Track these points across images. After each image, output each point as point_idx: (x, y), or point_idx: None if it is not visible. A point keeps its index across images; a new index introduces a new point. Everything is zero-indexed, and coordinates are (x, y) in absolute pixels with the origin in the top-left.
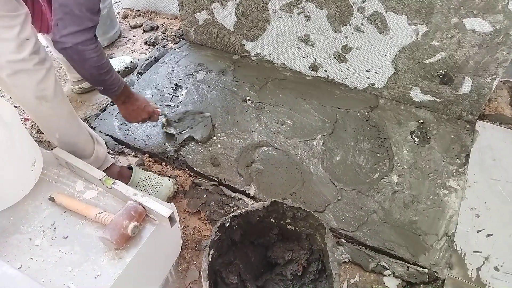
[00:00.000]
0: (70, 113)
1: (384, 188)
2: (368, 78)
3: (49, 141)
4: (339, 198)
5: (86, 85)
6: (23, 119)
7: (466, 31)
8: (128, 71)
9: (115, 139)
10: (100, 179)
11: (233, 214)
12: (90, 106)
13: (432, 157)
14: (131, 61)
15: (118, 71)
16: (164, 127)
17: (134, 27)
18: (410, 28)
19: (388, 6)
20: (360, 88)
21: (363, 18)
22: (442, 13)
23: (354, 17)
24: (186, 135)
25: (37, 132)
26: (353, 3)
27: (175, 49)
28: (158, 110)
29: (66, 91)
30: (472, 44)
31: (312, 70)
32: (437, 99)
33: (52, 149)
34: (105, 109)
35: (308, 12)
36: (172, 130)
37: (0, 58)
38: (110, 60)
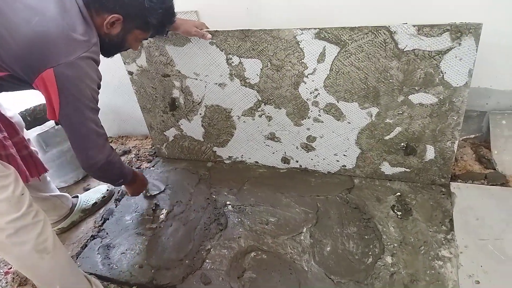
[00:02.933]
0: (69, 260)
1: (381, 272)
2: (338, 161)
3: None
4: None
5: (65, 224)
6: (3, 273)
7: (414, 105)
8: (105, 200)
9: (99, 277)
10: None
11: None
12: (70, 245)
13: (419, 229)
14: (107, 189)
15: (95, 202)
16: (146, 192)
17: None
18: (363, 112)
19: (338, 97)
20: (333, 172)
21: (319, 110)
22: (388, 94)
23: (311, 111)
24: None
25: (19, 285)
26: (307, 99)
27: (149, 167)
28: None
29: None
30: (423, 115)
31: (284, 163)
32: (407, 169)
33: None
34: (86, 245)
35: (269, 113)
36: (154, 191)
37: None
38: (86, 192)
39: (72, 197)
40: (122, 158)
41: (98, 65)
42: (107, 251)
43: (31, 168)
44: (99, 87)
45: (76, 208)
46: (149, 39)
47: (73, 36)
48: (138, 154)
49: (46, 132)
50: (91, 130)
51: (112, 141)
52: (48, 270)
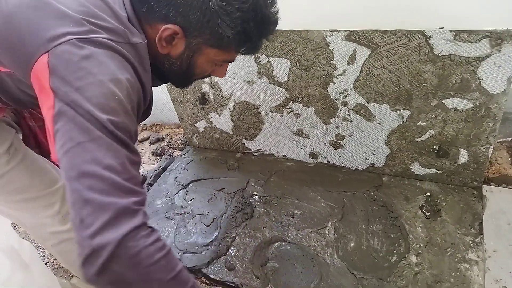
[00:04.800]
0: None
1: (405, 271)
2: (366, 159)
3: (67, 268)
4: None
5: None
6: (42, 248)
7: (448, 110)
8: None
9: None
10: None
11: None
12: None
13: (447, 230)
14: (141, 175)
15: None
16: None
17: (141, 141)
18: (394, 114)
19: (368, 98)
20: (361, 169)
21: (348, 110)
22: (421, 98)
23: (340, 110)
24: None
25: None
26: (336, 99)
27: (181, 155)
28: None
29: None
30: (457, 120)
31: (312, 158)
32: (438, 171)
33: (70, 279)
34: None
35: (297, 110)
36: None
37: (43, 230)
38: None
39: None
40: (155, 146)
41: (137, 83)
42: None
43: None
44: (133, 108)
45: None
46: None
47: (90, 20)
48: (171, 142)
49: None
50: (91, 167)
51: (146, 128)
52: None
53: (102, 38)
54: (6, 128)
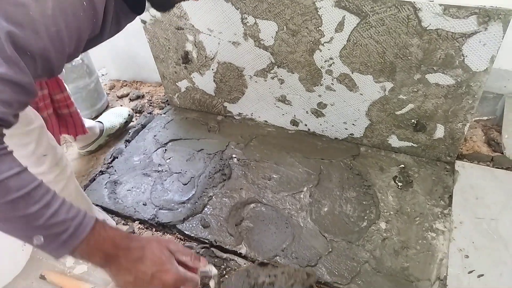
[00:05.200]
0: (89, 211)
1: (374, 236)
2: (346, 129)
3: None
4: (330, 250)
5: (92, 147)
6: None
7: (430, 84)
8: (126, 124)
9: (105, 209)
10: None
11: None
12: (80, 177)
13: (417, 201)
14: (128, 114)
15: (119, 127)
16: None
17: (121, 97)
18: (377, 85)
19: (353, 68)
20: (340, 138)
21: (332, 79)
22: (405, 71)
23: (324, 79)
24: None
25: None
26: (321, 67)
27: (161, 114)
28: (196, 276)
29: (71, 154)
30: (438, 96)
31: (293, 125)
32: (414, 145)
33: None
34: (94, 179)
35: (281, 76)
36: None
37: None
38: (108, 115)
39: (96, 121)
40: (135, 103)
41: None
42: (114, 186)
43: (69, 128)
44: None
45: (103, 134)
46: None
47: None
48: (151, 100)
49: None
50: None
51: (126, 84)
52: None
53: None
54: None
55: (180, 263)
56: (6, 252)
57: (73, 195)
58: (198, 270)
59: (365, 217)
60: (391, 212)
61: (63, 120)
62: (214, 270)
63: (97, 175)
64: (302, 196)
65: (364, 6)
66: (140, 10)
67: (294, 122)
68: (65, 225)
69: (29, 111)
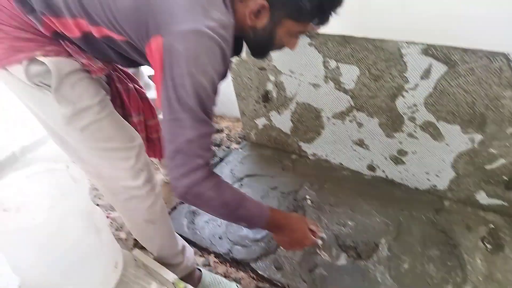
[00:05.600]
0: (170, 232)
1: None
2: (429, 180)
3: (125, 239)
4: None
5: None
6: None
7: None
8: None
9: (183, 238)
10: (172, 282)
11: None
12: None
13: (509, 268)
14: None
15: None
16: (319, 251)
17: None
18: (465, 137)
19: (439, 116)
20: (421, 189)
21: (415, 126)
22: (496, 124)
23: (406, 125)
24: None
25: (116, 230)
26: (403, 113)
27: (238, 149)
28: (319, 240)
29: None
30: None
31: (370, 170)
32: (505, 203)
33: (132, 249)
34: (175, 208)
35: (360, 120)
36: (326, 256)
37: (117, 183)
38: None
39: None
40: (214, 137)
41: (224, 58)
42: (192, 217)
43: (156, 152)
44: (214, 89)
45: None
46: None
47: (200, 2)
48: (229, 134)
49: None
50: (179, 138)
51: None
52: (151, 236)
53: (206, 29)
54: (101, 85)
55: (310, 230)
56: (102, 275)
57: (158, 212)
58: (317, 235)
59: (450, 280)
60: (480, 278)
61: (152, 144)
62: (324, 235)
63: (178, 204)
64: (380, 248)
65: (453, 55)
66: (238, 53)
67: (371, 167)
68: (255, 218)
69: (132, 130)
